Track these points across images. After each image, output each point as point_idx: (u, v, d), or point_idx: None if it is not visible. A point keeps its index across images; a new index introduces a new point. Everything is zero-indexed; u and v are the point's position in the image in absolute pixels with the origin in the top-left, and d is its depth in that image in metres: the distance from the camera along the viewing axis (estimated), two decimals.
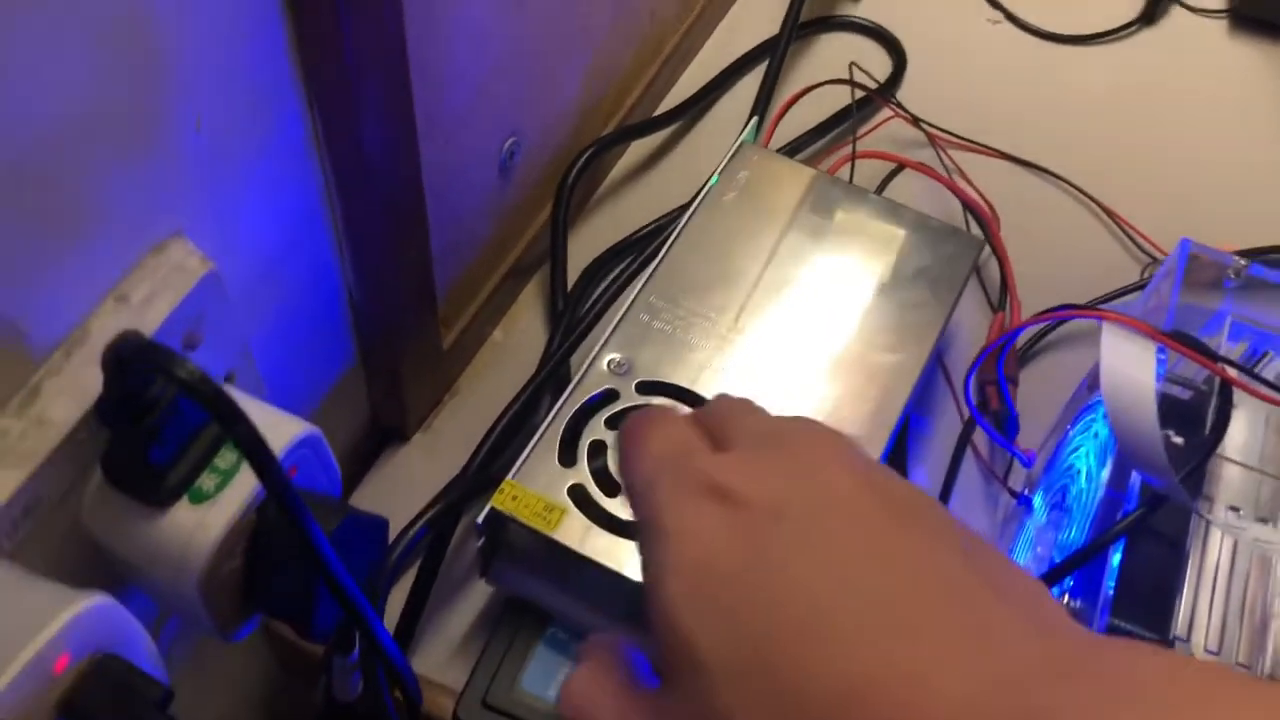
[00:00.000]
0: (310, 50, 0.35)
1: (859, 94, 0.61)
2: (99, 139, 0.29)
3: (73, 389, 0.30)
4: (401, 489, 0.51)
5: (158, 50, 0.30)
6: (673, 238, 0.50)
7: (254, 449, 0.28)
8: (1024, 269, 0.57)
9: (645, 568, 0.27)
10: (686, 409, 0.34)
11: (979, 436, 0.53)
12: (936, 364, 0.55)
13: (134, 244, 0.32)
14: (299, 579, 0.33)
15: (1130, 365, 0.36)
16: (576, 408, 0.45)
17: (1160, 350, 0.39)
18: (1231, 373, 0.38)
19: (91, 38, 0.28)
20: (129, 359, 0.28)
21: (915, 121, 0.62)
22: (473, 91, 0.45)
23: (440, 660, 0.47)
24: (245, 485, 0.32)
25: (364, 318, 0.46)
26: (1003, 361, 0.51)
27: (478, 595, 0.48)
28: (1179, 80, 0.70)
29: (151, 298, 0.32)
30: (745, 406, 0.32)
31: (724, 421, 0.30)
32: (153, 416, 0.30)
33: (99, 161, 0.29)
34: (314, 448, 0.35)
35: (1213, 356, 0.38)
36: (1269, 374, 0.48)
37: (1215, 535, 0.39)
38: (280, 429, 0.33)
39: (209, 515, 0.32)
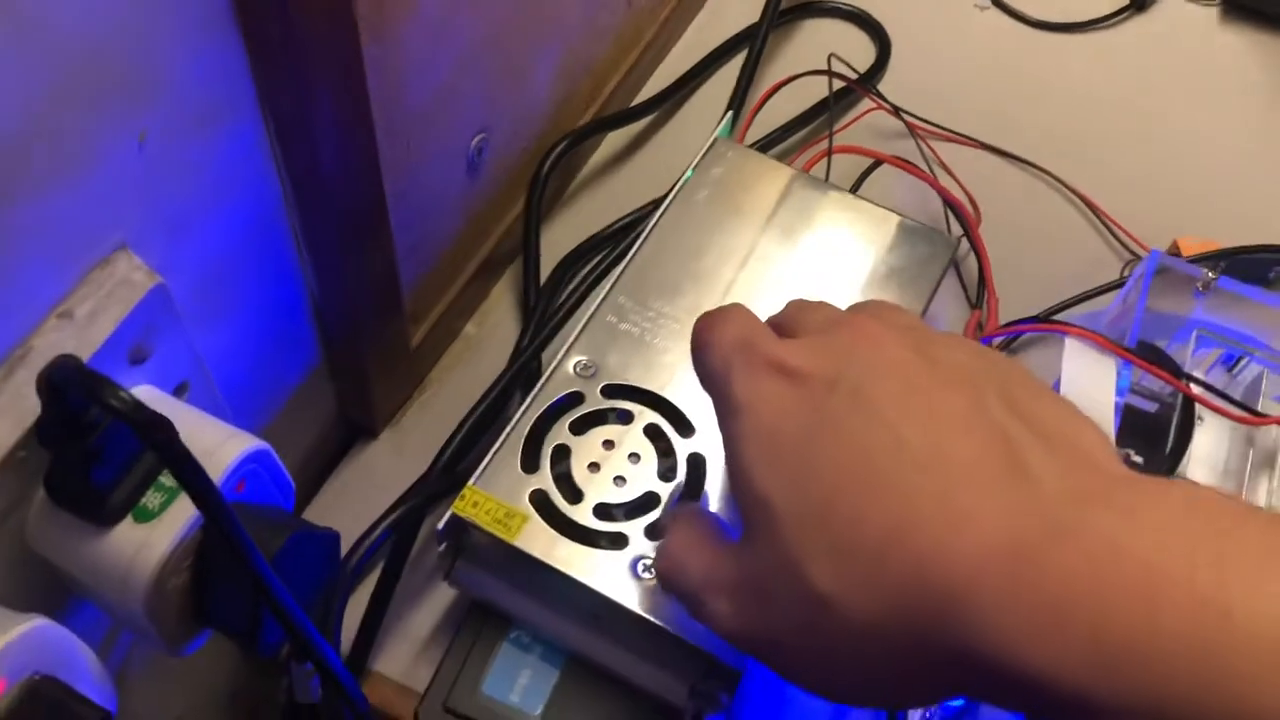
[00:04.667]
0: (260, 64, 0.34)
1: (837, 85, 0.61)
2: (33, 158, 0.29)
3: (13, 409, 0.30)
4: (369, 486, 0.51)
5: (98, 69, 0.29)
6: (643, 237, 0.50)
7: (189, 476, 0.27)
8: (1006, 263, 0.57)
9: (724, 439, 0.32)
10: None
11: None
12: None
13: (77, 260, 0.32)
14: (244, 597, 0.32)
15: (1090, 382, 0.36)
16: (541, 411, 0.45)
17: (1125, 363, 0.39)
18: (1195, 390, 0.37)
19: (26, 55, 0.27)
20: (62, 386, 0.28)
21: (896, 112, 0.61)
22: (435, 91, 0.44)
23: (405, 661, 0.47)
24: (190, 503, 0.32)
25: (327, 319, 0.45)
26: None
27: (443, 596, 0.48)
28: (1168, 70, 0.69)
29: (96, 313, 0.32)
30: (813, 305, 0.36)
31: (792, 318, 0.35)
32: (92, 439, 0.29)
33: (34, 181, 0.29)
34: (263, 462, 0.35)
35: (1177, 372, 0.38)
36: (1246, 376, 0.47)
37: None
38: (226, 445, 0.33)
39: (153, 534, 0.32)
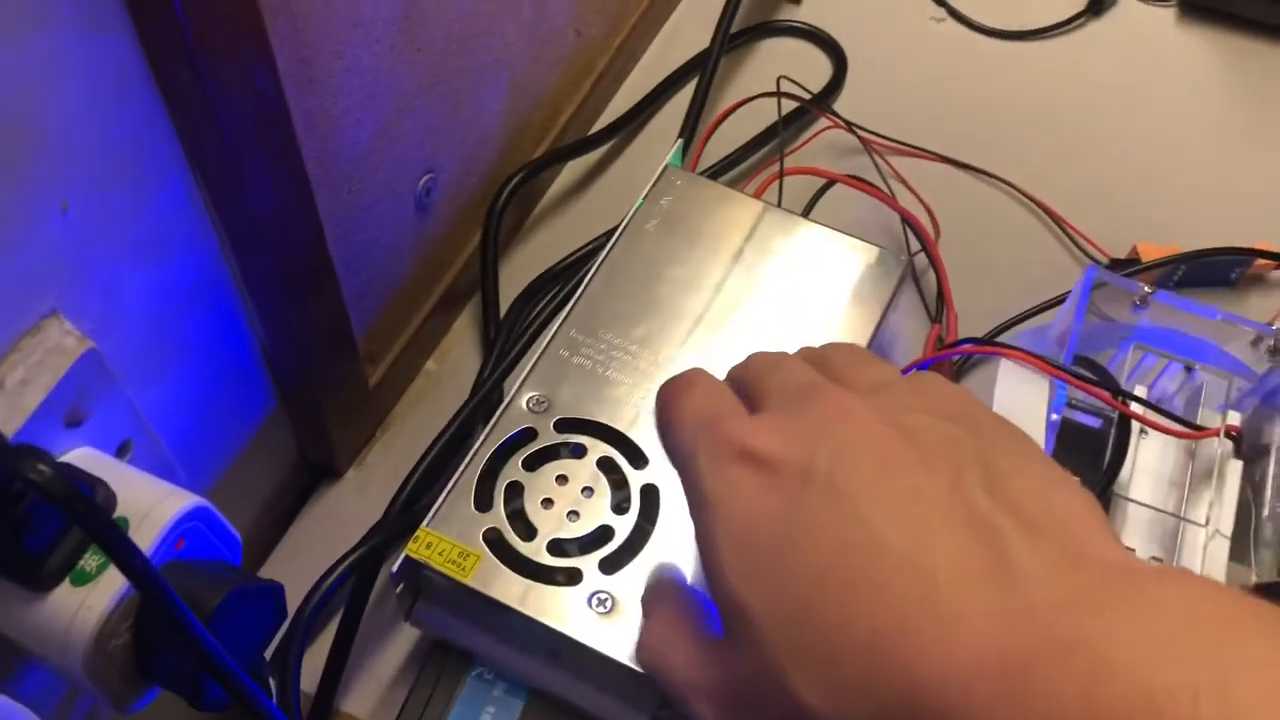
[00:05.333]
0: (181, 118, 0.35)
1: (788, 107, 0.61)
2: None
3: None
4: (336, 526, 0.51)
5: (6, 141, 0.30)
6: (593, 269, 0.50)
7: (111, 545, 0.28)
8: (967, 275, 0.57)
9: (695, 529, 0.30)
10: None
11: None
12: None
13: (5, 329, 0.32)
14: (184, 655, 0.33)
15: (1023, 403, 0.36)
16: (494, 449, 0.45)
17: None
18: (1133, 406, 0.37)
19: None
20: None
21: (850, 128, 0.61)
22: (373, 137, 0.44)
23: (371, 701, 0.47)
24: None
25: (279, 365, 0.46)
26: None
27: (408, 634, 0.48)
28: (1127, 73, 0.69)
29: (27, 381, 0.32)
30: (775, 362, 0.34)
31: (757, 380, 0.33)
32: (20, 508, 0.30)
33: None
34: (204, 518, 0.35)
35: (1114, 387, 0.38)
36: (1199, 380, 0.47)
37: None
38: (162, 505, 0.33)
39: (90, 597, 0.32)
